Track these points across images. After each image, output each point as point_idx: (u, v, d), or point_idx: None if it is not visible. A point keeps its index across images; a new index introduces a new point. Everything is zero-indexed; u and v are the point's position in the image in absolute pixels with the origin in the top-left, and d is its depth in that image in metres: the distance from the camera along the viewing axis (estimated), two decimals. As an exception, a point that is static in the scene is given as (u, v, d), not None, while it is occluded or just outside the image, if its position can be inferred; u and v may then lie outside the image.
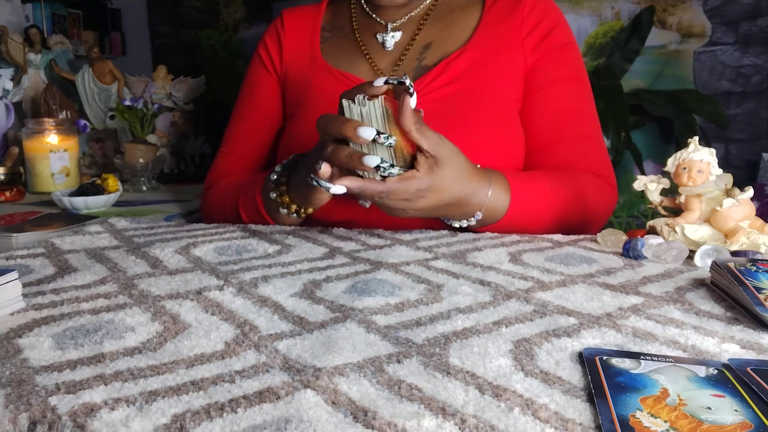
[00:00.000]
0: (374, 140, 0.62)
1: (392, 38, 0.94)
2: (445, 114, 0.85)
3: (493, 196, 0.75)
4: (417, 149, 0.65)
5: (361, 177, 0.65)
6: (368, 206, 0.68)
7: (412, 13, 0.96)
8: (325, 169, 0.65)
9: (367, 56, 0.94)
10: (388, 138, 0.62)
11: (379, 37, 0.95)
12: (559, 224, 0.82)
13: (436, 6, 0.96)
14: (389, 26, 0.95)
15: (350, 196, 0.67)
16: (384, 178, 0.65)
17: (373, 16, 0.97)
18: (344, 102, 0.64)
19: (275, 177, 0.80)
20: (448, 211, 0.73)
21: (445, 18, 0.95)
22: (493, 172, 0.77)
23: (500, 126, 0.87)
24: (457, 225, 0.78)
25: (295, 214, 0.80)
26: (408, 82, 0.63)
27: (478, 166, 0.75)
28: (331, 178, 0.65)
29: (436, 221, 0.80)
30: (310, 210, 0.79)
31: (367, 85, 0.64)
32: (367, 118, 0.63)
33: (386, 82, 0.63)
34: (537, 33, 0.90)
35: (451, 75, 0.88)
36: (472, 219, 0.76)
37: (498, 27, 0.91)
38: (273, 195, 0.79)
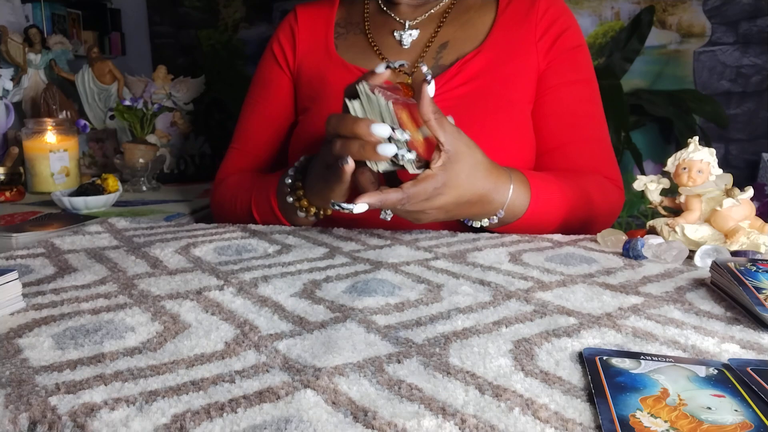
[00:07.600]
0: (390, 138, 0.60)
1: (410, 36, 0.94)
2: (460, 113, 0.86)
3: (515, 193, 0.73)
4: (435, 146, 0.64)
5: (379, 190, 0.63)
6: (389, 218, 0.66)
7: (431, 12, 0.96)
8: (352, 163, 0.62)
9: (379, 54, 0.94)
10: (403, 133, 0.60)
11: (396, 34, 0.95)
12: (565, 227, 0.82)
13: (454, 5, 0.96)
14: (407, 24, 0.95)
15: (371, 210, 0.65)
16: (394, 179, 0.62)
17: (391, 14, 0.97)
18: (347, 102, 0.63)
19: (290, 181, 0.79)
20: (470, 210, 0.71)
21: (462, 18, 0.95)
22: (512, 169, 0.76)
23: (514, 127, 0.88)
24: (477, 225, 0.76)
25: (314, 217, 0.80)
26: (425, 68, 0.61)
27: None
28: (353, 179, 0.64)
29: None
30: (329, 211, 0.78)
31: (370, 74, 0.63)
32: (372, 114, 0.62)
33: (387, 67, 0.62)
34: (550, 35, 0.91)
35: (467, 75, 0.89)
36: (494, 217, 0.74)
37: (513, 28, 0.92)
38: (290, 199, 0.79)
